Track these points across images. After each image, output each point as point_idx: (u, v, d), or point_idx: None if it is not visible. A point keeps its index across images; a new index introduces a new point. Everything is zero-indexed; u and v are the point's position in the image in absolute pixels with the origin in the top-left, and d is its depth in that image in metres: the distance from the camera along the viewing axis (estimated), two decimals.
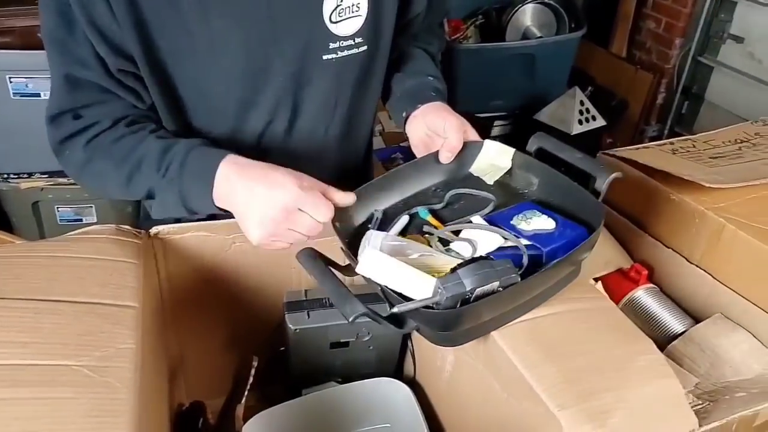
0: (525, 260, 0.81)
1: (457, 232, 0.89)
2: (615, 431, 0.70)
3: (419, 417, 1.01)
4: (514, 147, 1.00)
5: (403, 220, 0.93)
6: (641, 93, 3.47)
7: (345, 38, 0.98)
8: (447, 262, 0.81)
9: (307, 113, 1.03)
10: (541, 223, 0.86)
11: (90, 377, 0.68)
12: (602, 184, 0.87)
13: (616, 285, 1.18)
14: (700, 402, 0.86)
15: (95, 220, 2.30)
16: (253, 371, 0.97)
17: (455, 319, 0.78)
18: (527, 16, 2.89)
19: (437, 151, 1.00)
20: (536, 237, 0.84)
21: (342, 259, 0.85)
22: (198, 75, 0.94)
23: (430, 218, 0.93)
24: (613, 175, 0.86)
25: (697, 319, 1.11)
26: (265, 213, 0.81)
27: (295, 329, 0.99)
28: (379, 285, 0.77)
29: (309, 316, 1.00)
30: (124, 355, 0.72)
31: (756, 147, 1.29)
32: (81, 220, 2.30)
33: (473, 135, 1.02)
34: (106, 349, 0.71)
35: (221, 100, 0.97)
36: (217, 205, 0.87)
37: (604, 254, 1.16)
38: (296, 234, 0.83)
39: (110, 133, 0.93)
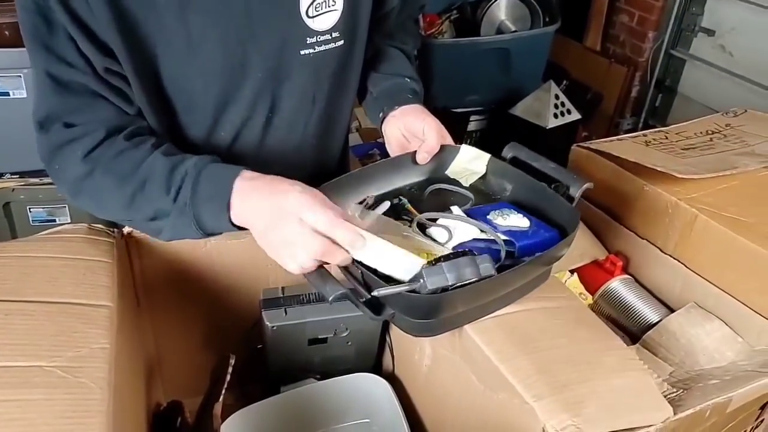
0: (503, 254, 0.82)
1: (435, 221, 0.90)
2: (591, 420, 0.71)
3: (398, 411, 1.01)
4: (491, 141, 1.01)
5: (384, 205, 0.94)
6: (615, 86, 3.50)
7: (322, 33, 0.98)
8: (422, 245, 0.83)
9: (286, 108, 1.03)
10: (517, 221, 0.88)
11: (64, 378, 0.67)
12: (575, 192, 0.89)
13: (591, 276, 1.19)
14: (675, 390, 0.87)
15: (69, 221, 2.27)
16: (230, 369, 0.97)
17: (432, 308, 0.79)
18: (502, 10, 2.90)
19: (414, 152, 1.01)
20: (510, 233, 0.86)
21: None
22: (176, 71, 0.93)
23: (410, 207, 0.95)
24: (585, 185, 0.89)
25: (671, 309, 1.13)
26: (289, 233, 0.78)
27: (273, 326, 0.99)
28: (361, 269, 0.77)
29: (286, 313, 1.00)
30: (98, 355, 0.71)
31: (727, 138, 1.31)
32: (54, 220, 2.26)
33: (449, 139, 1.03)
34: (80, 350, 0.71)
35: (200, 96, 0.97)
36: (236, 223, 0.84)
37: (579, 246, 1.17)
38: (295, 248, 0.78)
39: (109, 146, 0.89)
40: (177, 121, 0.99)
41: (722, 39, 3.15)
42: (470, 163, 1.02)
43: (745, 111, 1.44)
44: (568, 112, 2.81)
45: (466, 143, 1.03)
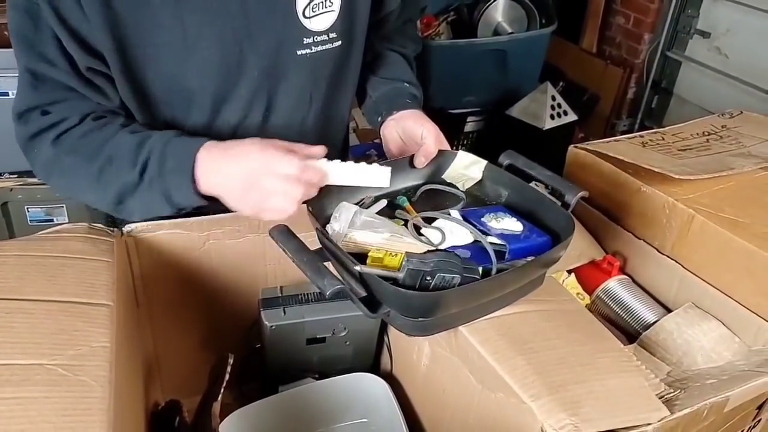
0: (493, 260, 0.83)
1: (430, 222, 0.91)
2: (588, 420, 0.72)
3: (396, 411, 1.02)
4: (488, 142, 1.02)
5: (381, 203, 0.95)
6: (612, 88, 3.51)
7: (319, 33, 0.98)
8: (413, 245, 0.84)
9: (282, 108, 1.03)
10: (510, 224, 0.89)
11: (64, 376, 0.67)
12: (571, 200, 0.90)
13: (589, 276, 1.20)
14: (672, 390, 0.87)
15: (67, 220, 2.26)
16: (229, 369, 0.97)
17: (426, 307, 0.80)
18: (498, 12, 2.91)
19: (411, 156, 1.02)
20: (503, 235, 0.87)
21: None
22: (172, 70, 0.93)
23: (407, 206, 0.95)
24: (580, 194, 0.90)
25: (668, 309, 1.13)
26: (244, 183, 0.84)
27: (271, 326, 0.99)
28: (358, 268, 0.78)
29: (285, 313, 1.00)
30: (98, 354, 0.71)
31: (723, 139, 1.32)
32: (52, 220, 2.26)
33: (446, 145, 1.04)
34: (80, 348, 0.71)
35: (196, 96, 0.97)
36: (203, 191, 0.87)
37: (577, 246, 1.17)
38: (278, 198, 0.84)
39: (79, 128, 0.92)
40: (172, 119, 1.00)
41: (717, 41, 3.16)
42: (467, 169, 1.02)
43: (741, 112, 1.45)
44: (565, 113, 2.82)
45: (463, 144, 1.04)
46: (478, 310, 0.85)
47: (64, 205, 2.24)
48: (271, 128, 1.04)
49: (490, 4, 2.86)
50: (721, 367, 0.98)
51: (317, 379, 1.08)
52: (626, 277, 1.19)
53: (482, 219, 0.90)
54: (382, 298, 0.80)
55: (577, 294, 1.19)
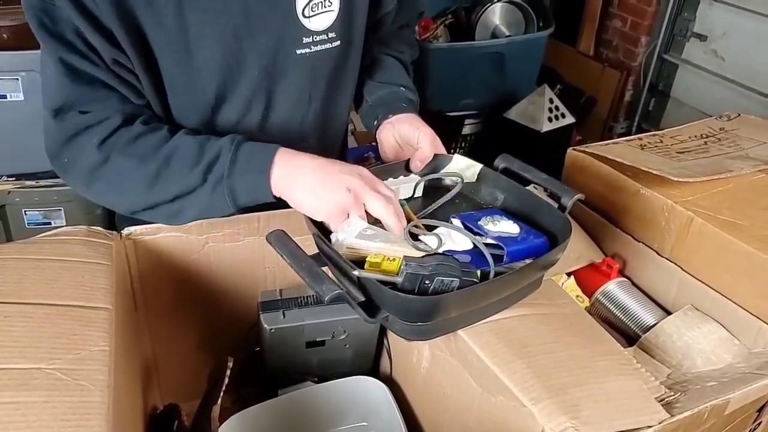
0: (489, 259, 0.83)
1: (430, 228, 0.90)
2: (589, 423, 0.72)
3: (396, 414, 1.01)
4: (486, 145, 1.02)
5: None
6: (609, 90, 3.52)
7: (318, 33, 0.98)
8: (411, 251, 0.83)
9: (281, 107, 1.03)
10: (507, 227, 0.89)
11: (63, 380, 0.67)
12: (567, 202, 0.90)
13: (588, 279, 1.19)
14: (672, 392, 0.87)
15: (64, 223, 2.26)
16: (228, 372, 0.96)
17: (425, 311, 0.79)
18: (496, 15, 2.91)
19: (407, 160, 1.02)
20: (500, 238, 0.87)
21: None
22: (174, 68, 0.94)
23: (407, 208, 0.94)
24: (577, 196, 0.90)
25: (668, 311, 1.13)
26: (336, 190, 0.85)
27: (271, 329, 0.99)
28: (356, 272, 0.77)
29: (284, 316, 1.00)
30: (97, 358, 0.71)
31: (721, 141, 1.32)
32: (50, 223, 2.25)
33: (442, 149, 1.04)
34: (79, 352, 0.71)
35: (196, 93, 0.97)
36: (275, 192, 0.88)
37: (576, 249, 1.17)
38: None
39: (126, 131, 0.91)
40: (174, 117, 1.00)
41: (714, 44, 3.17)
42: (462, 173, 1.02)
43: (739, 115, 1.45)
44: (563, 116, 2.82)
45: (460, 147, 1.04)
46: (477, 313, 0.85)
47: (62, 208, 2.23)
48: (270, 127, 1.04)
49: (488, 7, 2.86)
50: (721, 370, 0.98)
51: (317, 382, 1.07)
52: (625, 279, 1.19)
53: (479, 222, 0.89)
54: (381, 303, 0.80)
55: (577, 296, 1.19)
